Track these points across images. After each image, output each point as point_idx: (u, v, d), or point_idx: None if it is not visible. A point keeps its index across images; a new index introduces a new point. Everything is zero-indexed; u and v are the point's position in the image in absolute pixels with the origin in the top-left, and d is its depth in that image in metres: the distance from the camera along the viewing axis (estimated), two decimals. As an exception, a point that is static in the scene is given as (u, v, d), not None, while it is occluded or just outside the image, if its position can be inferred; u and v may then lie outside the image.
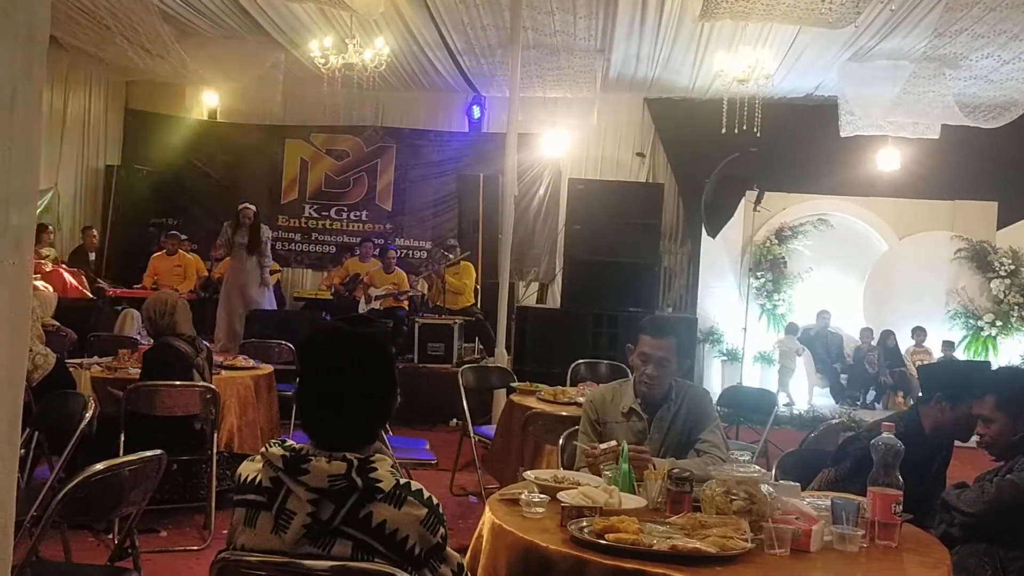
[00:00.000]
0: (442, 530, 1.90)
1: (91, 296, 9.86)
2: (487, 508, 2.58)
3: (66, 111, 11.53)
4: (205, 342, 6.70)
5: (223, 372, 5.52)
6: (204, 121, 12.58)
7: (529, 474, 2.88)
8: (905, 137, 10.56)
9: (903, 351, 10.49)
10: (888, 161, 11.05)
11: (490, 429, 5.76)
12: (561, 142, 11.61)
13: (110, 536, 4.41)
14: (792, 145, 10.61)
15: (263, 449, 1.91)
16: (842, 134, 10.28)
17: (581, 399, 4.53)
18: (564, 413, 4.68)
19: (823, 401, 10.35)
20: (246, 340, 7.43)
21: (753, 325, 10.52)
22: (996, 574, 2.89)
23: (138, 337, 7.19)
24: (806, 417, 9.32)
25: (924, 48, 8.39)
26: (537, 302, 11.69)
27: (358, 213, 12.57)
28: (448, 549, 1.94)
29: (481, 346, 9.71)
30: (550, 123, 11.58)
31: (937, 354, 10.30)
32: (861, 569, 2.28)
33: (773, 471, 3.36)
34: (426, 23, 9.37)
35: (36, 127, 1.24)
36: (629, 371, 3.46)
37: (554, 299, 11.32)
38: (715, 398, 6.17)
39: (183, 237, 10.87)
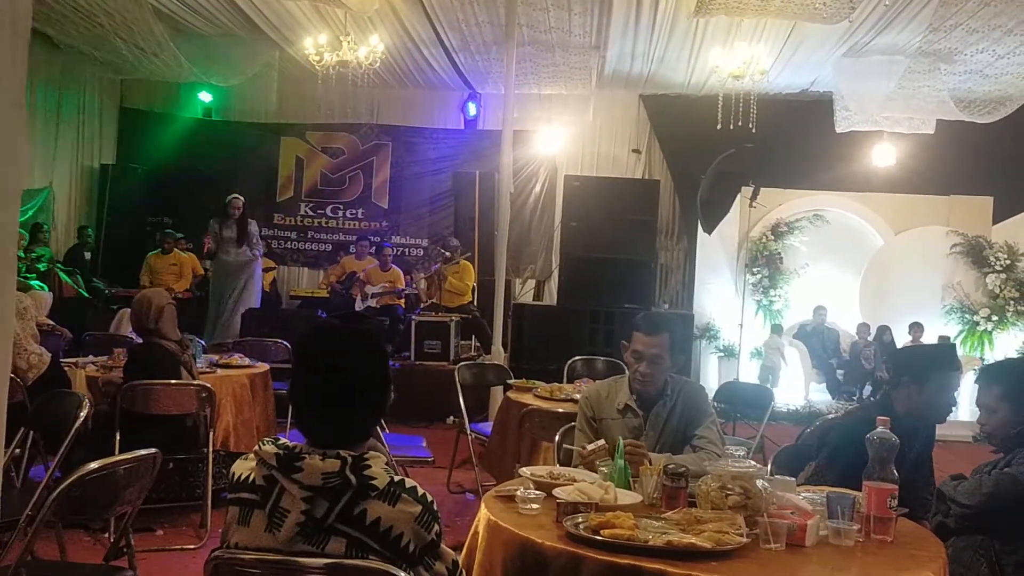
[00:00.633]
0: (436, 527, 1.89)
1: (87, 295, 9.84)
2: (483, 505, 2.58)
3: (60, 110, 11.50)
4: (201, 340, 6.73)
5: (219, 371, 5.51)
6: (199, 119, 12.55)
7: (525, 471, 2.89)
8: (900, 132, 10.57)
9: (899, 347, 10.50)
10: (883, 156, 11.06)
11: (487, 426, 5.76)
12: (557, 139, 11.60)
13: (106, 535, 4.42)
14: (788, 141, 10.62)
15: (256, 447, 1.91)
16: (837, 130, 10.29)
17: (577, 396, 4.53)
18: (560, 410, 4.68)
19: (820, 396, 10.36)
20: (242, 338, 7.42)
21: (749, 321, 10.52)
22: (991, 567, 2.89)
23: (133, 336, 7.17)
24: (803, 412, 9.33)
25: (919, 43, 8.40)
26: (534, 299, 11.69)
27: (354, 211, 12.55)
28: (443, 546, 1.94)
29: (478, 343, 9.72)
30: (546, 120, 11.56)
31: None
32: (857, 563, 2.28)
33: (769, 466, 3.36)
34: (421, 20, 9.36)
35: (19, 123, 1.23)
36: (625, 367, 3.46)
37: (551, 296, 11.32)
38: (712, 394, 6.19)
39: (179, 236, 10.85)
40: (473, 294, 10.15)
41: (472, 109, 12.08)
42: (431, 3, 8.76)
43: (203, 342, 6.86)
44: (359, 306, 10.48)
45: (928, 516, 3.07)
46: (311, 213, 12.59)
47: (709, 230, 10.26)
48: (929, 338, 10.46)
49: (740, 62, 8.67)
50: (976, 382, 3.30)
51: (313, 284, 12.12)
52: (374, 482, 1.83)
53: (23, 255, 9.18)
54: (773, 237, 10.99)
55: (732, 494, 2.45)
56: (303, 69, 9.98)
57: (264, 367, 5.91)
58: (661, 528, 2.26)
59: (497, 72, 10.19)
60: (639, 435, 3.28)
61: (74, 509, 2.60)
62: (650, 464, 2.81)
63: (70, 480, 2.48)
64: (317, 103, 10.88)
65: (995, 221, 10.80)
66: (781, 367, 10.26)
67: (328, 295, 10.94)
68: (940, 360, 3.25)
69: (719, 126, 9.13)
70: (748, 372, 10.41)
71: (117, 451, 4.29)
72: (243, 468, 1.93)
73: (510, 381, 5.83)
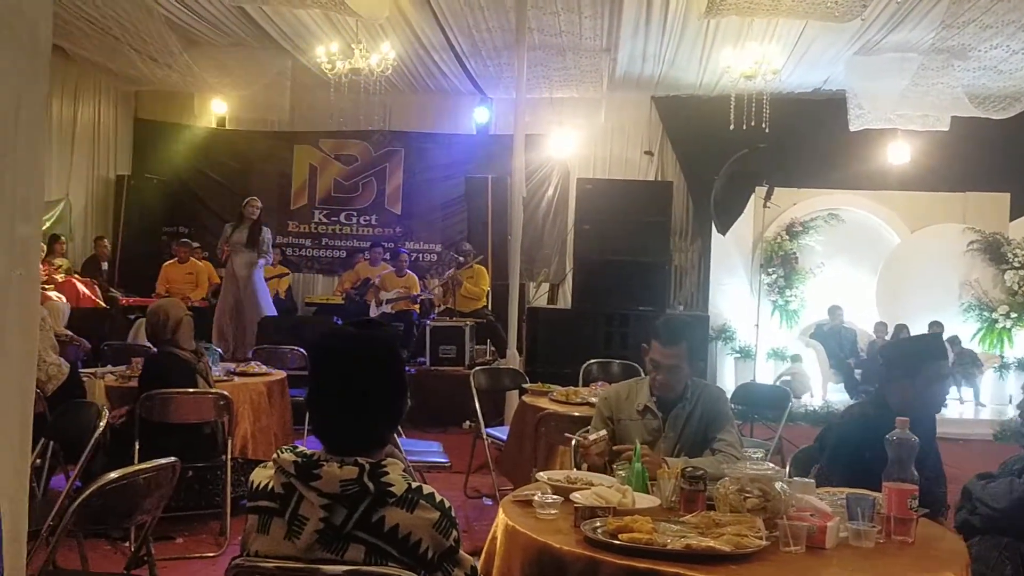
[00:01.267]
0: (455, 533, 1.90)
1: (104, 305, 9.91)
2: (500, 510, 2.58)
3: (76, 122, 11.60)
4: (217, 349, 6.76)
5: (236, 379, 5.53)
6: (213, 129, 12.63)
7: (542, 475, 2.88)
8: (915, 130, 10.50)
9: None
10: (898, 154, 10.99)
11: (503, 431, 5.75)
12: (569, 142, 11.60)
13: (126, 544, 4.43)
14: (801, 140, 10.58)
15: (275, 455, 1.91)
16: (851, 128, 10.23)
17: (593, 399, 4.52)
18: (576, 414, 4.66)
19: (838, 396, 10.31)
20: (258, 346, 7.45)
21: (765, 321, 10.48)
22: (1016, 570, 2.87)
23: (151, 345, 7.21)
24: (820, 413, 9.27)
25: (932, 40, 8.35)
26: (548, 303, 11.69)
27: (368, 217, 12.59)
28: (461, 552, 1.94)
29: (493, 348, 9.72)
30: (557, 123, 11.57)
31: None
32: (877, 565, 2.26)
33: (787, 468, 3.35)
34: (431, 26, 9.38)
35: (41, 137, 1.24)
36: (641, 370, 3.46)
37: (565, 299, 11.32)
38: (729, 395, 6.18)
39: (194, 245, 10.92)
40: (487, 298, 10.16)
41: (484, 115, 12.07)
42: (441, 9, 8.78)
43: (219, 350, 6.89)
44: (374, 312, 10.51)
45: (941, 512, 3.05)
46: (325, 220, 12.64)
47: (723, 231, 10.23)
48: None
49: (752, 62, 8.65)
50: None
51: (328, 291, 12.16)
52: (392, 489, 1.84)
53: (42, 266, 9.27)
54: (788, 237, 10.95)
55: (751, 496, 2.44)
56: (315, 77, 10.03)
57: (281, 375, 5.94)
58: (679, 532, 2.26)
59: (508, 77, 10.20)
60: (658, 437, 3.28)
61: (94, 519, 2.62)
62: (668, 467, 2.81)
63: (90, 491, 2.49)
64: (329, 111, 10.93)
65: (1012, 217, 10.72)
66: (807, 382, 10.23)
67: (343, 301, 10.97)
68: (927, 351, 3.25)
69: (732, 126, 9.11)
70: (765, 373, 10.37)
71: (136, 460, 4.31)
72: (262, 476, 1.93)
73: (525, 385, 5.81)
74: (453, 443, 6.30)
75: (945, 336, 10.22)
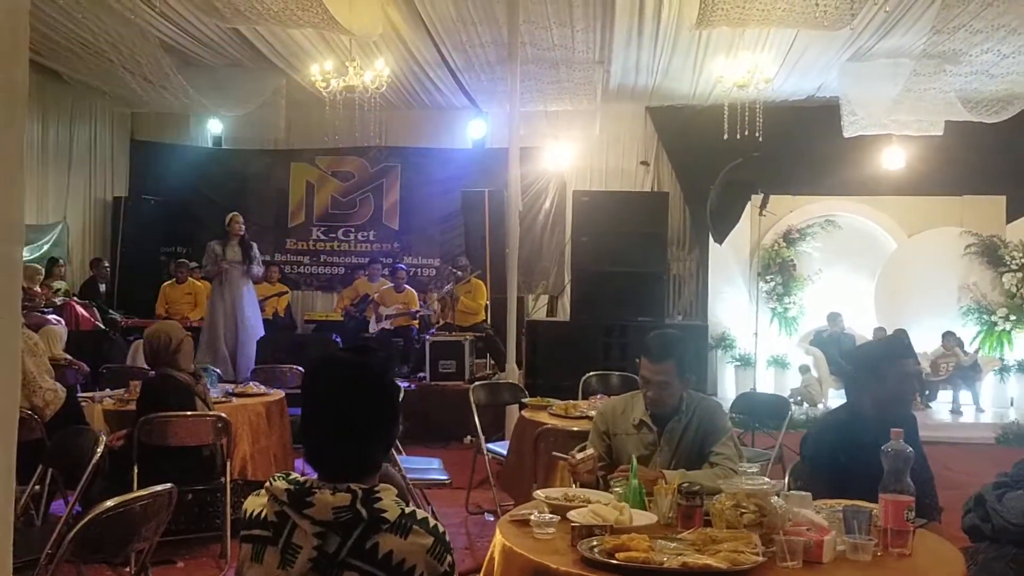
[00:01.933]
0: (449, 558, 1.89)
1: (103, 328, 9.91)
2: (497, 530, 2.57)
3: (72, 145, 11.64)
4: (216, 370, 6.76)
5: (234, 400, 5.53)
6: (209, 149, 12.67)
7: (540, 493, 2.88)
8: (909, 135, 10.51)
9: (929, 356, 10.35)
10: (893, 159, 11.01)
11: (503, 445, 5.75)
12: (564, 154, 11.62)
13: (127, 569, 4.42)
14: (795, 147, 10.60)
15: (268, 483, 1.91)
16: (845, 134, 10.26)
17: (592, 413, 4.52)
18: (575, 428, 4.66)
19: (840, 403, 10.26)
20: (257, 366, 7.43)
21: (765, 329, 10.48)
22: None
23: (149, 368, 7.20)
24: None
25: (923, 45, 8.37)
26: (547, 315, 11.69)
27: (365, 233, 12.61)
28: (456, 577, 1.94)
29: (493, 361, 9.71)
30: (553, 136, 11.58)
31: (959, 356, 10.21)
32: (875, 578, 2.26)
33: (786, 478, 3.34)
34: (425, 43, 9.42)
35: (17, 155, 1.22)
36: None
37: (564, 311, 11.32)
38: (729, 404, 6.17)
39: (192, 265, 10.91)
40: (486, 312, 10.16)
41: (478, 129, 12.10)
42: (434, 26, 8.82)
43: (218, 371, 6.89)
44: (373, 328, 10.51)
45: (935, 517, 3.05)
46: (323, 237, 12.66)
47: (720, 240, 10.24)
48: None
49: (744, 71, 8.69)
50: None
51: (327, 308, 12.17)
52: (385, 515, 1.83)
53: (40, 289, 9.27)
54: (785, 244, 10.96)
55: (747, 512, 2.44)
56: (310, 95, 10.06)
57: (279, 394, 5.93)
58: (676, 549, 2.25)
59: (503, 90, 10.21)
60: (654, 450, 3.29)
61: (92, 547, 2.62)
62: (665, 481, 2.81)
63: (86, 519, 2.49)
64: (325, 128, 10.95)
65: (1009, 220, 10.72)
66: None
67: (343, 318, 10.98)
68: (891, 350, 3.29)
69: (726, 136, 9.13)
70: (765, 381, 10.36)
71: (135, 484, 4.31)
72: (255, 504, 1.93)
73: (525, 399, 5.81)
74: (454, 458, 6.30)
75: (947, 340, 10.24)
